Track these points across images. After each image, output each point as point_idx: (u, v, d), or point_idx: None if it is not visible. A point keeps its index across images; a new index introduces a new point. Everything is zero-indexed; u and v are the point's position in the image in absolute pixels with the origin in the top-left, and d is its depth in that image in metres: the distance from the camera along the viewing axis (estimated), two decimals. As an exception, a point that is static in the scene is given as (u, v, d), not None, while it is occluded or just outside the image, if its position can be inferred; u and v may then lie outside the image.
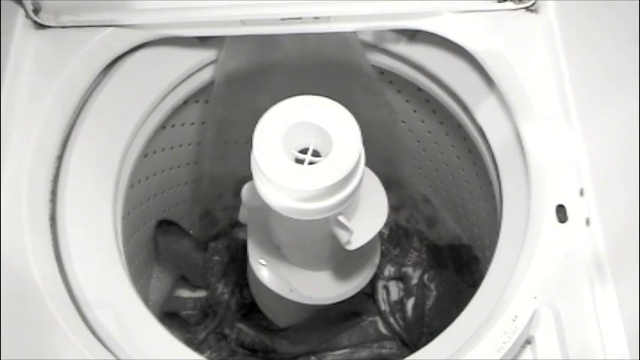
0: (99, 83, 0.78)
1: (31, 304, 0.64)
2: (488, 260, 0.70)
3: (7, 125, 0.71)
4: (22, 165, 0.70)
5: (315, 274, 0.83)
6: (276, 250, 0.81)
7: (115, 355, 0.64)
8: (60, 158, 0.74)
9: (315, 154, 0.65)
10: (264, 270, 0.81)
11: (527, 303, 0.62)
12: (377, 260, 0.86)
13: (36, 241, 0.68)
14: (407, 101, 0.98)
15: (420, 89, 0.89)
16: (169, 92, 0.84)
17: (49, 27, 0.75)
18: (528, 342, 0.61)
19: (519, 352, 0.61)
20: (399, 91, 0.96)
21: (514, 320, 0.61)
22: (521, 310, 0.61)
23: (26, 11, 0.74)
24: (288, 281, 0.81)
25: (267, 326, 0.92)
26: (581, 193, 0.66)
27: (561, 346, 0.60)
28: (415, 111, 0.99)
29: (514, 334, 0.60)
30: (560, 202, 0.66)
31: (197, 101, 0.92)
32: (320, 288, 0.82)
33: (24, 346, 0.62)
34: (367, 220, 0.74)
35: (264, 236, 0.80)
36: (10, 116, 0.71)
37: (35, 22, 0.75)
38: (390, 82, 0.94)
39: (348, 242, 0.71)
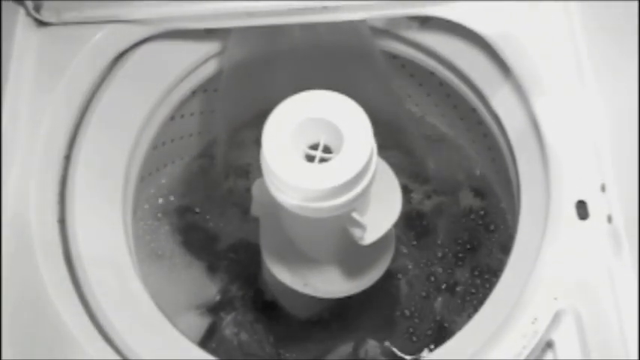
0: (104, 79, 0.76)
1: (41, 311, 0.63)
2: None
3: (11, 126, 0.70)
4: (28, 167, 0.69)
5: (330, 266, 0.82)
6: (289, 244, 0.80)
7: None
8: (67, 158, 0.73)
9: (326, 149, 0.64)
10: (277, 264, 0.80)
11: (547, 304, 0.60)
12: (392, 250, 0.85)
13: (45, 245, 0.67)
14: (420, 85, 0.95)
15: (432, 73, 0.87)
16: (177, 85, 0.82)
17: (51, 24, 0.73)
18: (549, 345, 0.59)
19: (539, 356, 0.59)
20: (411, 75, 0.94)
21: (533, 323, 0.59)
22: (541, 312, 0.60)
23: (27, 9, 0.72)
24: (303, 275, 0.80)
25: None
26: (603, 188, 0.64)
27: (583, 350, 0.58)
28: (429, 95, 0.96)
29: (534, 337, 0.58)
30: (581, 198, 0.64)
31: (205, 90, 0.91)
32: (335, 281, 0.81)
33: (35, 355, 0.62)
34: (380, 213, 0.72)
35: (277, 230, 0.79)
36: (14, 117, 0.70)
37: (36, 19, 0.73)
38: (403, 66, 0.91)
39: (362, 238, 0.70)
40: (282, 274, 0.80)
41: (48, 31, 0.74)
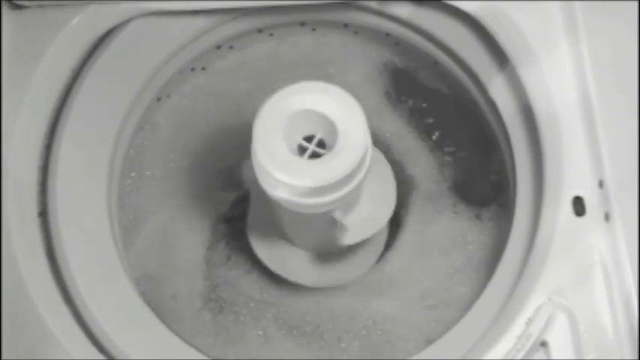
0: (85, 64, 0.73)
1: (21, 310, 0.62)
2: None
3: (-14, 116, 0.67)
4: (5, 158, 0.66)
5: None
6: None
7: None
8: (48, 147, 0.70)
9: (320, 142, 0.61)
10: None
11: (541, 304, 0.59)
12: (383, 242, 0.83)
13: (25, 241, 0.65)
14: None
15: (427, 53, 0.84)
16: (161, 67, 0.79)
17: (26, 7, 0.69)
18: (543, 345, 0.58)
19: (533, 356, 0.58)
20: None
21: (527, 324, 0.58)
22: (535, 313, 0.58)
23: (-1, -9, 0.69)
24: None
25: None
26: (601, 184, 0.62)
27: (576, 351, 0.57)
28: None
29: (528, 340, 0.57)
30: (578, 194, 0.62)
31: (193, 69, 0.87)
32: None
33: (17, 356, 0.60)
34: (368, 215, 0.70)
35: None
36: (-9, 106, 0.67)
37: (10, 2, 0.69)
38: (396, 44, 0.88)
39: (341, 238, 0.69)
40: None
41: (23, 15, 0.70)
